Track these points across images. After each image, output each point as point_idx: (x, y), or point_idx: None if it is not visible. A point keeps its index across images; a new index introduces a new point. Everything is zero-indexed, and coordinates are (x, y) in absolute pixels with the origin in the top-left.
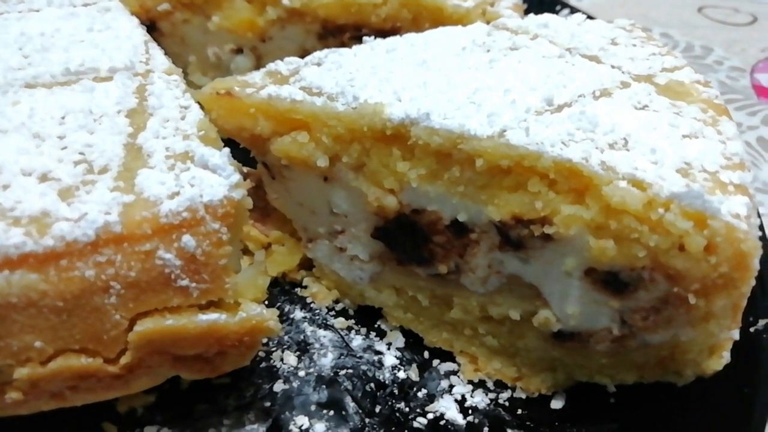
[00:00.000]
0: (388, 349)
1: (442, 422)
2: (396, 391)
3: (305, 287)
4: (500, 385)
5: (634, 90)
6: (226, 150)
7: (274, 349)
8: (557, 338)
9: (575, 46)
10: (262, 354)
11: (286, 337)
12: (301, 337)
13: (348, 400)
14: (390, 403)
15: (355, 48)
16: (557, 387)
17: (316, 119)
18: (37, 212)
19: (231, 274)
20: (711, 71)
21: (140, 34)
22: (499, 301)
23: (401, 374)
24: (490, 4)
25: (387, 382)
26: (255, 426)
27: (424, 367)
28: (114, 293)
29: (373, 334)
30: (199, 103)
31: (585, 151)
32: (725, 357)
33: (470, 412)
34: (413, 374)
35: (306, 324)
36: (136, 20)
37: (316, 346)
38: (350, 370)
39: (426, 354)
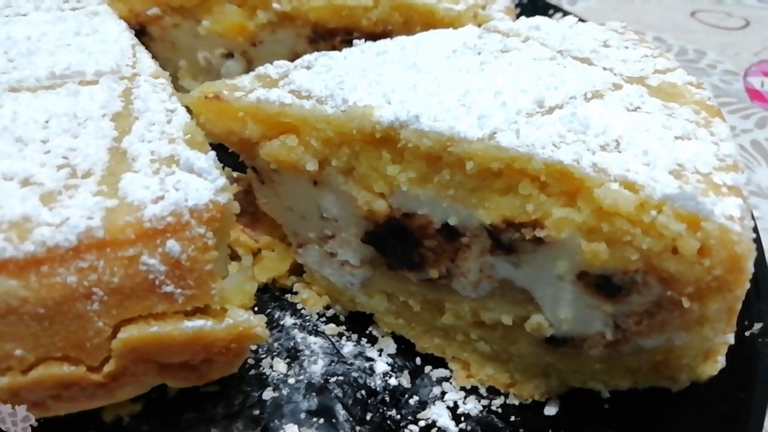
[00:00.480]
0: (380, 355)
1: (434, 429)
2: (387, 398)
3: (295, 293)
4: (493, 392)
5: (626, 92)
6: (212, 153)
7: (263, 356)
8: (550, 343)
9: (567, 49)
10: (251, 361)
11: (275, 344)
12: (291, 343)
13: (338, 407)
14: (381, 410)
15: (345, 51)
16: (551, 393)
17: (305, 123)
18: (18, 217)
19: (217, 280)
20: (704, 75)
21: (128, 37)
22: (491, 306)
23: (393, 381)
24: (481, 8)
25: (378, 389)
26: None
27: (416, 373)
28: (97, 300)
29: (364, 341)
30: (187, 107)
31: (576, 153)
32: (720, 361)
33: (463, 419)
34: (405, 381)
35: (296, 330)
36: (124, 24)
37: (307, 352)
38: (341, 377)
39: (418, 360)
